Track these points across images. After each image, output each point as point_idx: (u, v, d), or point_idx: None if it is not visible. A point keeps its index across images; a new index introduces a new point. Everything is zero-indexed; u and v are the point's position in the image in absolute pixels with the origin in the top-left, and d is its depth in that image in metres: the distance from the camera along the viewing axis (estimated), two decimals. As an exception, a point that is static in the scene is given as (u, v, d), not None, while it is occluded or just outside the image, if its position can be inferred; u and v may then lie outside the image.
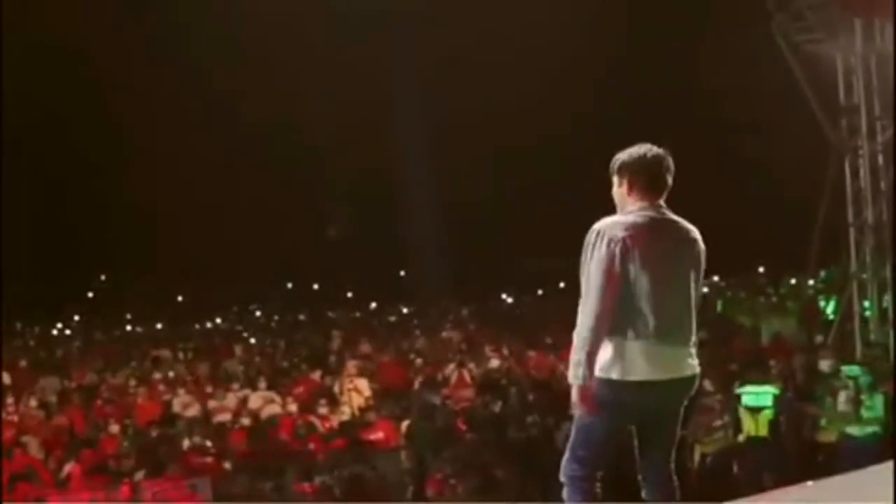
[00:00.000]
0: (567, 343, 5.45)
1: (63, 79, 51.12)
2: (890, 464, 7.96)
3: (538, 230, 52.28)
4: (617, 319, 5.33)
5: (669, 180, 5.56)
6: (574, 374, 5.32)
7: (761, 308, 30.95)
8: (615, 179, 5.58)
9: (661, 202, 5.54)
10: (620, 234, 5.31)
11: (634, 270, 5.30)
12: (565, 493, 5.50)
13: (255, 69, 51.07)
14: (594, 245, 5.32)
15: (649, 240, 5.36)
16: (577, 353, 5.31)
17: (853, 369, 15.58)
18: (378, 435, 16.75)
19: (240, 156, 59.04)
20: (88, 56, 50.13)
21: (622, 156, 5.56)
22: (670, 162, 5.56)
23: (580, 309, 5.32)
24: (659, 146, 5.57)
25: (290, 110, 52.36)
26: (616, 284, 5.28)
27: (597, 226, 5.38)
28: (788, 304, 29.97)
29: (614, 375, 5.34)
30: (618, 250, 5.28)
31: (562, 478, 5.51)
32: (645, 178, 5.51)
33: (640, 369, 5.33)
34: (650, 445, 5.62)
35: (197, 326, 47.68)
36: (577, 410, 5.44)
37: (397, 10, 43.29)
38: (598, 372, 5.35)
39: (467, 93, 51.04)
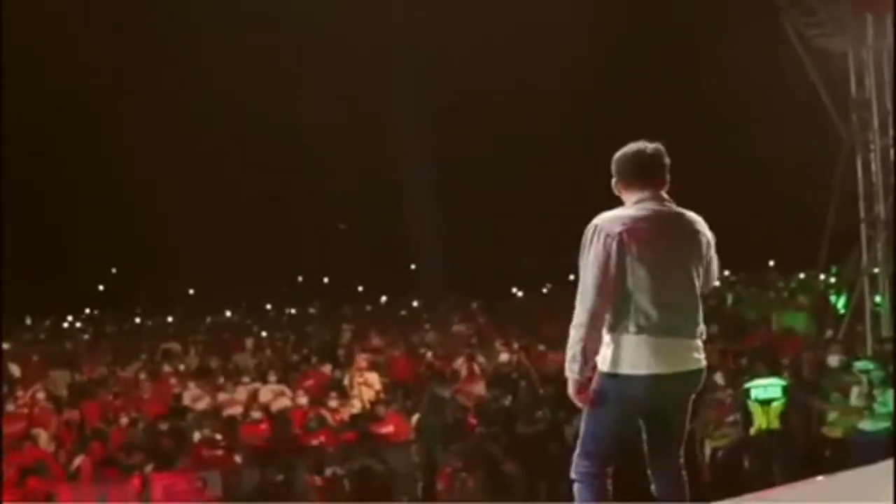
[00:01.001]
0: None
1: (68, 76, 51.17)
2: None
3: (547, 224, 52.20)
4: (619, 314, 5.34)
5: (662, 171, 5.54)
6: (570, 368, 5.37)
7: (772, 303, 30.93)
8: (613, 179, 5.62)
9: (664, 193, 5.53)
10: (617, 229, 5.32)
11: (632, 265, 5.31)
12: (576, 489, 5.50)
13: (259, 62, 51.08)
14: (591, 241, 5.35)
15: (647, 233, 5.36)
16: (572, 348, 5.35)
17: (866, 364, 15.55)
18: (388, 428, 16.78)
19: (250, 149, 59.14)
20: (93, 52, 50.24)
21: (616, 154, 5.60)
22: (660, 154, 5.55)
23: (577, 304, 5.36)
24: (668, 142, 5.57)
25: (297, 105, 52.40)
26: (611, 281, 5.30)
27: (595, 221, 5.40)
28: (799, 298, 29.93)
29: (620, 370, 5.34)
30: (614, 246, 5.29)
31: (573, 475, 5.51)
32: (631, 171, 5.52)
33: (646, 363, 5.32)
34: (658, 440, 5.61)
35: (208, 320, 47.70)
36: (577, 403, 5.47)
37: (397, 9, 43.35)
38: (604, 367, 5.38)
39: (473, 86, 51.03)
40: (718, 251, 5.64)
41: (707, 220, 5.59)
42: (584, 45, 41.85)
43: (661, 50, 47.08)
